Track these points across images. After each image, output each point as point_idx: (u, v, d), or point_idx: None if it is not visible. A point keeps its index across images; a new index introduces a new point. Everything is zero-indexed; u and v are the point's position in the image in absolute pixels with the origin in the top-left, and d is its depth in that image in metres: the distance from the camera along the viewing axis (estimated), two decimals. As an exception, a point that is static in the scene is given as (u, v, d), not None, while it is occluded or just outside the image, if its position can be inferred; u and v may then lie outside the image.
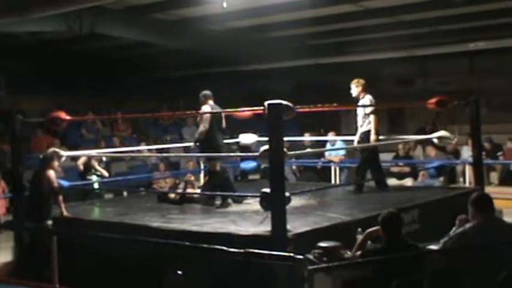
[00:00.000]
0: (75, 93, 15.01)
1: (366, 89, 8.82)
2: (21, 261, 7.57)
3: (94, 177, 10.73)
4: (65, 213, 7.61)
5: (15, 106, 12.81)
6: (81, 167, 10.93)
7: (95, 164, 10.82)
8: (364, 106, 8.66)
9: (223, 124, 8.26)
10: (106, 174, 11.00)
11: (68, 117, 8.18)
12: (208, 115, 7.95)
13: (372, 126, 8.64)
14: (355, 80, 8.89)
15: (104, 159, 11.39)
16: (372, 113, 8.64)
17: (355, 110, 8.98)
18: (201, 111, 8.16)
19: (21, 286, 6.42)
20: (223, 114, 8.22)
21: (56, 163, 7.74)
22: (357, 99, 8.84)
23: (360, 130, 8.80)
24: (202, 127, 7.99)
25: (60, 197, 7.61)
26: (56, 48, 13.95)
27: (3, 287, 6.49)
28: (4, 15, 9.76)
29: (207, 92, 8.23)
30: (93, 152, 10.86)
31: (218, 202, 8.06)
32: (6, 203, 10.36)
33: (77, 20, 10.87)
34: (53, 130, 12.26)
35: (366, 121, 8.72)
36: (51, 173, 7.55)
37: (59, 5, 9.60)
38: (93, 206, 9.21)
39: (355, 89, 8.85)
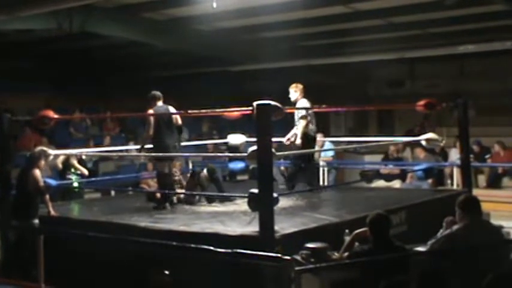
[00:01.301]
0: (65, 92, 14.92)
1: (303, 94, 8.93)
2: (7, 260, 7.51)
3: (73, 177, 10.63)
4: (52, 212, 7.58)
5: (3, 104, 12.72)
6: (60, 166, 10.79)
7: (74, 162, 10.69)
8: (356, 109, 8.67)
9: (179, 122, 8.24)
10: (86, 172, 10.84)
11: (56, 116, 8.16)
12: (151, 120, 7.96)
13: (299, 131, 8.74)
14: (294, 85, 8.99)
15: (84, 157, 11.26)
16: (302, 117, 8.72)
17: (293, 114, 8.99)
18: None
19: (7, 285, 6.38)
20: (176, 115, 8.20)
21: (42, 162, 7.70)
22: (294, 103, 8.90)
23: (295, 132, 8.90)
24: (145, 132, 8.07)
25: (47, 196, 7.59)
26: (45, 47, 13.87)
27: (-11, 286, 6.45)
28: (-7, 13, 9.69)
29: (156, 93, 8.27)
30: (77, 151, 10.78)
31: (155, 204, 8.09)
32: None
33: (67, 18, 10.79)
34: (41, 129, 12.17)
35: (299, 125, 8.78)
36: (37, 172, 7.52)
37: (49, 3, 9.53)
38: (81, 205, 9.17)
39: (293, 93, 8.96)
